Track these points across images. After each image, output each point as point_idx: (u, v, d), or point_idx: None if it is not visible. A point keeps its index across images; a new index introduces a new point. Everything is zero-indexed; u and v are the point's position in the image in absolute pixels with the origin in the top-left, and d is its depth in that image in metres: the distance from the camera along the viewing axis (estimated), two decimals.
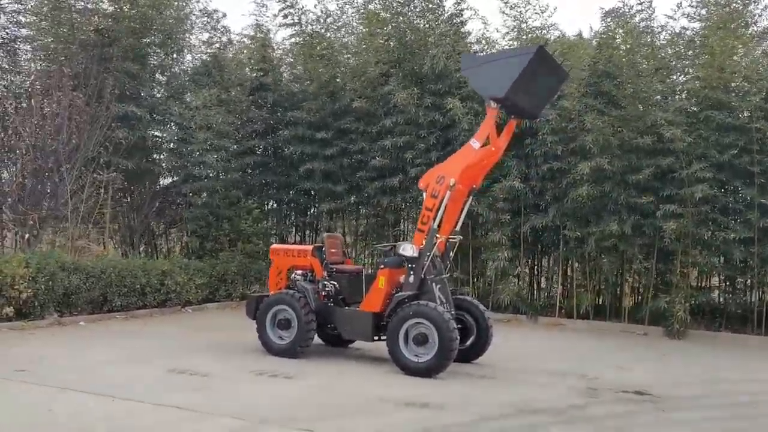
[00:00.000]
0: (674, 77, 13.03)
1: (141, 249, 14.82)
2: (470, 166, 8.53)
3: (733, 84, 12.04)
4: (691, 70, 12.97)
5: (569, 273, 13.84)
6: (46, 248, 12.52)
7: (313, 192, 15.47)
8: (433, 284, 8.39)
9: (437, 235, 8.34)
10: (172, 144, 14.58)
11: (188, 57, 16.19)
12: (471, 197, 8.93)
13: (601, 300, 13.77)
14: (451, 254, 9.15)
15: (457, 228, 8.94)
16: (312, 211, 15.91)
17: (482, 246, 13.70)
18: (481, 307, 8.97)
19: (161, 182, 15.51)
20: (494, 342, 8.82)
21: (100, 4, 13.83)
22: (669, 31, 13.62)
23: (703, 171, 11.54)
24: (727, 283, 13.54)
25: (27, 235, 11.62)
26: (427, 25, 14.68)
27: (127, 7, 14.05)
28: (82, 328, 10.79)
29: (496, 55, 8.65)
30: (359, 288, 8.97)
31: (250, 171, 15.96)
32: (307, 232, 16.75)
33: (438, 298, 8.38)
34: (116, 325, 11.21)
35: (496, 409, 6.61)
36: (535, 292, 14.37)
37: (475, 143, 8.33)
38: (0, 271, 10.01)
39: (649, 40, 13.14)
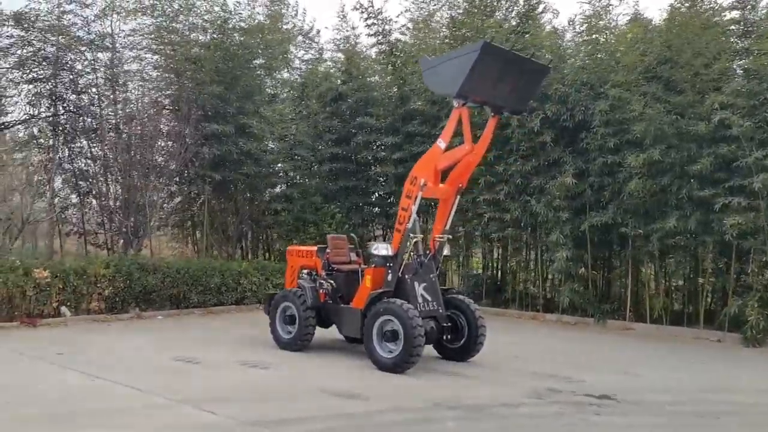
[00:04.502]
0: (739, 57, 11.65)
1: (237, 253, 16.31)
2: (451, 166, 8.65)
3: None
4: (756, 48, 11.51)
5: (638, 274, 12.91)
6: (147, 252, 14.40)
7: (389, 195, 16.00)
8: (415, 283, 8.56)
9: (412, 235, 8.51)
10: (255, 156, 15.89)
11: (284, 74, 17.53)
12: (458, 197, 8.95)
13: (677, 303, 12.67)
14: (444, 253, 9.20)
15: (447, 227, 9.01)
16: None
17: (544, 246, 13.29)
18: (473, 306, 8.95)
19: (260, 191, 16.92)
20: (531, 343, 8.60)
21: (194, 34, 15.54)
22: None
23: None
24: None
25: (122, 241, 13.51)
26: (495, 22, 14.59)
27: (219, 36, 15.61)
28: (158, 321, 12.32)
29: (448, 56, 8.63)
30: (357, 286, 9.36)
31: (330, 177, 16.85)
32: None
33: (420, 296, 8.55)
34: (189, 319, 12.58)
35: (415, 403, 6.71)
36: (604, 294, 13.54)
37: (441, 143, 8.40)
38: (85, 271, 11.85)
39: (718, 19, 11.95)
